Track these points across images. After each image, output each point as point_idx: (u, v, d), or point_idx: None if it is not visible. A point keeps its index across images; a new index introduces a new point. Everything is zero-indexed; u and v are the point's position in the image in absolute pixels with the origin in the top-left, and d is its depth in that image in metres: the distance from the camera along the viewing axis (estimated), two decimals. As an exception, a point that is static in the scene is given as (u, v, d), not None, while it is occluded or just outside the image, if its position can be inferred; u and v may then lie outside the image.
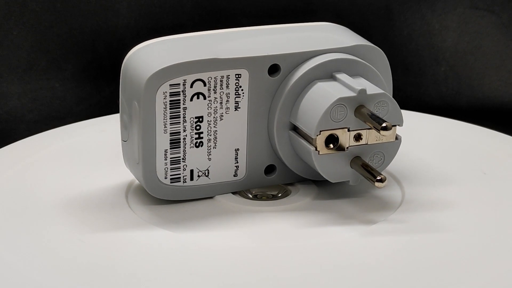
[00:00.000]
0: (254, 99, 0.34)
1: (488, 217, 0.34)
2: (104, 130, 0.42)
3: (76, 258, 0.31)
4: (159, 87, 0.32)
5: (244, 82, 0.33)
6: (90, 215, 0.34)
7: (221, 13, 0.54)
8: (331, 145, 0.33)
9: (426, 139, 0.41)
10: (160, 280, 0.30)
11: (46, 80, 0.53)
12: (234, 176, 0.35)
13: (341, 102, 0.32)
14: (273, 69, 0.34)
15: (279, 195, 0.36)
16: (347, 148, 0.33)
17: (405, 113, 0.36)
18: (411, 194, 0.35)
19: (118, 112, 0.45)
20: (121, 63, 0.35)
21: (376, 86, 0.33)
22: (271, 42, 0.34)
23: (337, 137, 0.33)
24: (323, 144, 0.33)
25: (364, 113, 0.32)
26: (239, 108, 0.34)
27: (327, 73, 0.34)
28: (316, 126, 0.32)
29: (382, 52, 0.35)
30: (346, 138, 0.33)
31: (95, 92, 0.54)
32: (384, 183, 0.32)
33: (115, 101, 0.55)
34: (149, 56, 0.33)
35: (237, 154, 0.35)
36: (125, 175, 0.36)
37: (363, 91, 0.32)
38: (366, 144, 0.33)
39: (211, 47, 0.33)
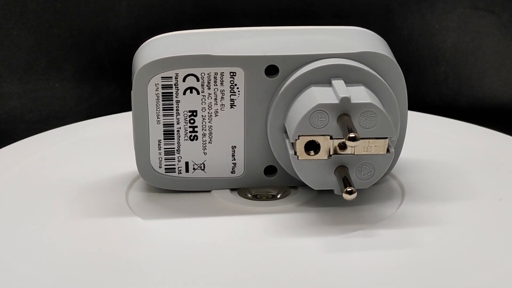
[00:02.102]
0: (251, 99, 0.34)
1: (473, 236, 0.32)
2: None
3: (46, 239, 0.32)
4: (151, 78, 0.33)
5: (240, 80, 0.34)
6: (83, 201, 0.35)
7: (221, 13, 0.54)
8: (312, 152, 0.32)
9: (426, 139, 0.41)
10: (112, 266, 0.30)
11: (46, 80, 0.53)
12: (232, 173, 0.35)
13: (321, 108, 0.32)
14: (271, 70, 0.33)
15: (278, 196, 0.36)
16: (330, 156, 0.32)
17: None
18: (406, 207, 0.34)
19: (118, 112, 0.46)
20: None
21: (375, 95, 0.33)
22: (272, 43, 0.34)
23: (319, 144, 0.32)
24: (303, 149, 0.32)
25: (341, 121, 0.31)
26: (235, 106, 0.34)
27: (325, 78, 0.33)
28: (294, 130, 0.32)
29: (395, 61, 0.34)
30: (328, 146, 0.32)
31: (95, 92, 0.54)
32: (352, 196, 0.31)
33: (115, 101, 0.55)
34: (150, 49, 0.34)
35: (234, 151, 0.35)
36: (131, 168, 0.36)
37: (345, 99, 0.31)
38: (352, 154, 0.32)
39: (209, 43, 0.34)
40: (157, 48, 0.34)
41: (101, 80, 0.54)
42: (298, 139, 0.32)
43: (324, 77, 0.33)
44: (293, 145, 0.32)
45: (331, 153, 0.32)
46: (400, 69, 0.33)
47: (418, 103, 0.54)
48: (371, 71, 0.33)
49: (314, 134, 0.32)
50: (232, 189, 0.36)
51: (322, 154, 0.32)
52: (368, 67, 0.33)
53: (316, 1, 0.54)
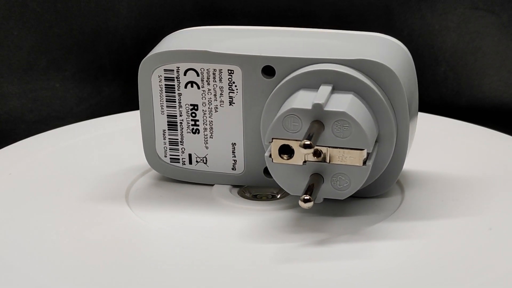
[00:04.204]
0: (249, 97, 0.34)
1: (428, 262, 0.31)
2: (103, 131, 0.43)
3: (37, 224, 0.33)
4: (154, 70, 0.34)
5: (237, 78, 0.34)
6: (83, 195, 0.35)
7: (221, 13, 0.54)
8: (286, 156, 0.31)
9: (426, 139, 0.41)
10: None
11: (46, 80, 0.53)
12: (233, 169, 0.35)
13: (294, 112, 0.31)
14: (268, 71, 0.33)
15: (278, 196, 0.36)
16: (305, 162, 0.32)
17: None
18: (387, 223, 0.33)
19: (118, 112, 0.46)
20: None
21: (366, 105, 0.32)
22: (271, 43, 0.34)
23: (293, 149, 0.31)
24: (277, 152, 0.31)
25: (310, 127, 0.31)
26: (234, 103, 0.34)
27: (317, 83, 0.32)
28: (268, 132, 0.31)
29: (393, 71, 0.32)
30: (302, 151, 0.31)
31: (95, 92, 0.54)
32: (307, 205, 0.30)
33: (115, 101, 0.55)
34: (162, 42, 0.35)
35: (234, 149, 0.35)
36: (135, 163, 0.37)
37: (318, 106, 0.31)
38: (327, 162, 0.31)
39: (212, 40, 0.34)
40: (167, 41, 0.35)
41: (101, 80, 0.54)
42: (272, 141, 0.31)
43: (315, 82, 0.32)
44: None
45: (305, 159, 0.31)
46: (399, 79, 0.32)
47: (418, 103, 0.54)
48: (363, 80, 0.32)
49: (288, 138, 0.31)
50: (234, 187, 0.36)
51: (297, 160, 0.31)
52: (365, 76, 0.32)
53: (316, 1, 0.54)
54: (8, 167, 0.38)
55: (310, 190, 0.31)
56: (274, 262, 0.31)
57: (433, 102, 0.55)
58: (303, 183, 0.32)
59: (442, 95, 0.54)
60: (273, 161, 0.32)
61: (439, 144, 0.40)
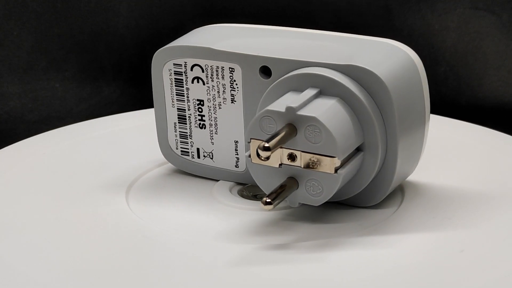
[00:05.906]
0: (249, 96, 0.34)
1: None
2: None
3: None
4: (165, 63, 0.35)
5: (238, 77, 0.34)
6: (85, 192, 0.36)
7: (221, 13, 0.54)
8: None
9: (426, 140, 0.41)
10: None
11: (46, 80, 0.53)
12: (236, 167, 0.36)
13: (269, 114, 0.31)
14: (266, 71, 0.33)
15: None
16: (280, 165, 0.31)
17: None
18: (373, 229, 0.32)
19: (118, 112, 0.46)
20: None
21: (349, 112, 0.31)
22: (271, 44, 0.34)
23: None
24: (255, 152, 0.31)
25: (280, 129, 0.31)
26: (235, 101, 0.34)
27: (305, 86, 0.32)
28: (247, 132, 0.31)
29: (381, 79, 0.31)
30: (278, 154, 0.31)
31: (95, 93, 0.54)
32: (268, 207, 0.30)
33: (115, 101, 0.55)
34: (182, 37, 0.36)
35: (236, 146, 0.35)
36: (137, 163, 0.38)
37: (290, 109, 0.30)
38: (300, 167, 0.31)
39: (219, 37, 0.35)
40: (186, 36, 0.36)
41: (101, 81, 0.54)
42: (250, 141, 0.31)
43: (304, 85, 0.32)
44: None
45: (281, 162, 0.31)
46: (387, 87, 0.31)
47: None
48: (347, 86, 0.32)
49: (264, 139, 0.31)
50: (236, 186, 0.36)
51: (273, 162, 0.31)
52: (353, 82, 0.32)
53: (316, 1, 0.54)
54: (9, 167, 0.38)
55: (276, 193, 0.31)
56: (225, 263, 0.30)
57: (433, 102, 0.54)
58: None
59: (442, 95, 0.54)
60: (252, 161, 0.32)
61: (439, 145, 0.40)
